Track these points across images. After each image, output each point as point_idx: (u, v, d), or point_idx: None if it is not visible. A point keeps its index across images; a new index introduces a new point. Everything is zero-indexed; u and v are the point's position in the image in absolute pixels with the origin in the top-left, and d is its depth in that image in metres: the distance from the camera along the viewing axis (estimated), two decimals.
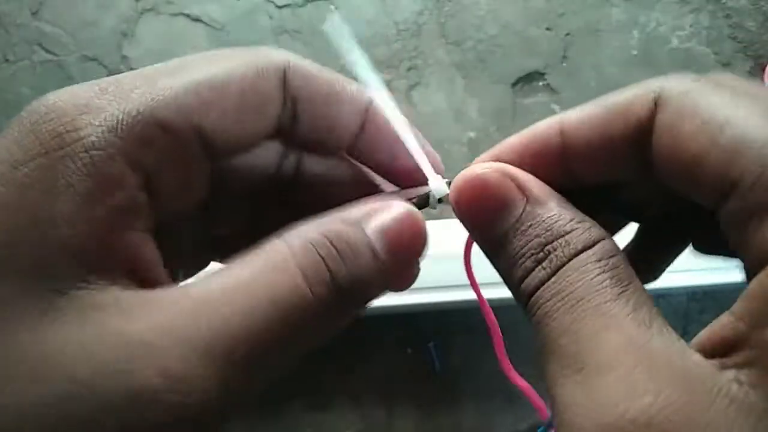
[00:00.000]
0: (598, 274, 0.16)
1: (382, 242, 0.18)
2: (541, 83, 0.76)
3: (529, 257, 0.18)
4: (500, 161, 0.19)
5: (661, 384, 0.13)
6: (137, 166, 0.16)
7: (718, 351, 0.14)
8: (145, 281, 0.16)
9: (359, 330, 0.67)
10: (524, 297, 0.18)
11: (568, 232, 0.17)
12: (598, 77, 0.76)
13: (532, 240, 0.18)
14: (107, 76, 0.17)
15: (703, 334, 0.15)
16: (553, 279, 0.17)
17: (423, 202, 0.21)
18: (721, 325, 0.15)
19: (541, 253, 0.17)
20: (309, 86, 0.20)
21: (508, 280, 0.19)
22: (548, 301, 0.17)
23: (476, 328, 0.68)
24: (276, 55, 0.20)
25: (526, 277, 0.18)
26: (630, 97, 0.18)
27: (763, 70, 0.80)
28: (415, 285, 0.24)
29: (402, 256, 0.19)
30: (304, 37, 0.76)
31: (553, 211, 0.18)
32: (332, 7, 0.77)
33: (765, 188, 0.14)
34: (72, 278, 0.15)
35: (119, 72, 0.18)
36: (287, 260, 0.16)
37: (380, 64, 0.75)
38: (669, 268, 0.22)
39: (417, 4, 0.77)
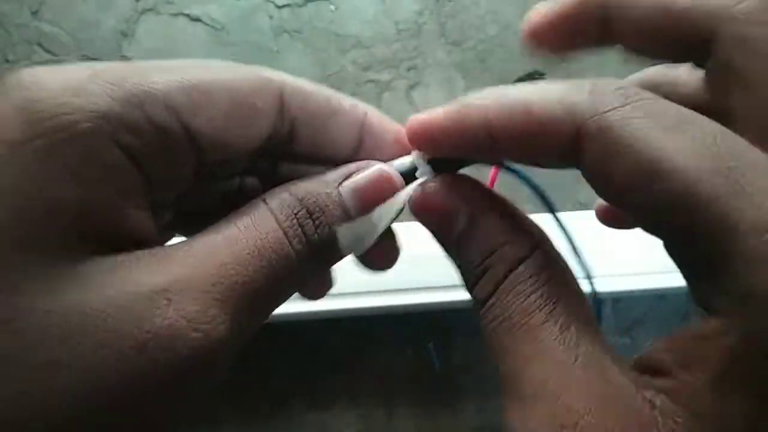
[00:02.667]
0: (530, 294, 0.17)
1: (355, 200, 0.20)
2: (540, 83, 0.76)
3: (473, 269, 0.19)
4: (433, 128, 0.20)
5: (583, 410, 0.14)
6: (129, 149, 0.17)
7: (647, 370, 0.15)
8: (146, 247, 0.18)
9: (359, 330, 0.67)
10: (477, 307, 0.19)
11: (502, 245, 0.18)
12: (598, 77, 0.76)
13: (473, 251, 0.19)
14: (69, 64, 0.17)
15: (645, 351, 0.16)
16: (492, 299, 0.18)
17: (409, 174, 0.22)
18: (653, 349, 0.15)
19: (481, 267, 0.19)
20: (306, 105, 0.21)
21: (465, 284, 0.20)
22: (492, 322, 0.18)
23: (476, 328, 0.68)
24: (273, 75, 0.20)
25: (473, 288, 0.19)
26: (550, 121, 0.17)
27: None
28: (415, 285, 0.24)
29: (371, 210, 0.20)
30: (304, 37, 0.76)
31: (491, 224, 0.19)
32: (332, 7, 0.77)
33: (694, 250, 0.14)
34: (83, 251, 0.16)
35: None
36: (270, 219, 0.19)
37: (380, 64, 0.75)
38: (669, 268, 0.22)
39: (417, 4, 0.77)
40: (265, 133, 0.20)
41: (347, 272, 0.27)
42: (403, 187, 0.21)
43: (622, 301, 0.69)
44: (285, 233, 0.18)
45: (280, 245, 0.18)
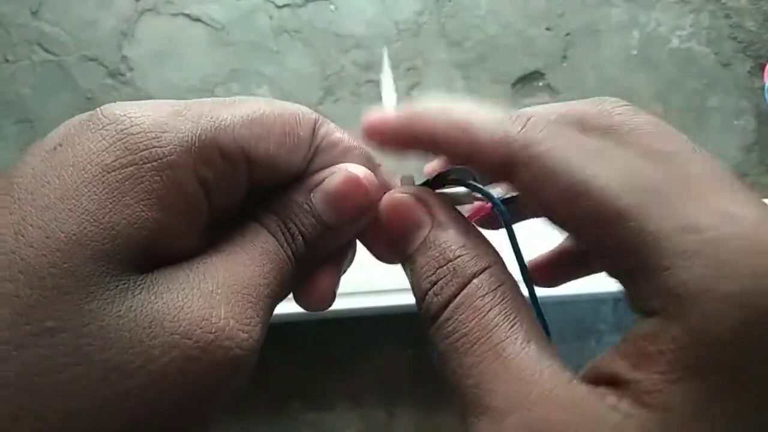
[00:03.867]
0: (490, 310, 0.18)
1: (326, 206, 0.21)
2: (541, 83, 0.76)
3: (426, 278, 0.19)
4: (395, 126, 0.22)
5: (555, 420, 0.15)
6: (202, 181, 0.19)
7: (602, 382, 0.16)
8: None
9: (359, 330, 0.67)
10: (426, 319, 0.20)
11: (456, 257, 0.19)
12: (598, 77, 0.76)
13: (429, 261, 0.20)
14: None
15: (591, 366, 0.17)
16: (446, 314, 0.18)
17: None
18: (605, 359, 0.17)
19: (434, 276, 0.19)
20: (329, 139, 0.23)
21: (415, 295, 0.21)
22: (447, 339, 0.18)
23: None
24: (309, 111, 0.23)
25: (424, 297, 0.19)
26: (487, 145, 0.19)
27: (763, 69, 0.80)
28: None
29: (347, 215, 0.22)
30: (304, 37, 0.76)
31: (449, 236, 0.20)
32: (332, 7, 0.77)
33: (624, 260, 0.16)
34: (150, 263, 0.18)
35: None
36: (268, 236, 0.21)
37: (380, 64, 0.75)
38: None
39: (417, 4, 0.77)
40: (303, 159, 0.22)
41: (347, 272, 0.27)
42: (378, 188, 0.22)
43: (622, 301, 0.69)
44: (281, 246, 0.21)
45: (279, 251, 0.20)
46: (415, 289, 0.20)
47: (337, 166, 0.22)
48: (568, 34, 0.77)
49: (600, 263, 0.18)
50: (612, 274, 0.17)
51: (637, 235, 0.15)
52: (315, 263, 0.22)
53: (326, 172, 0.22)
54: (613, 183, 0.16)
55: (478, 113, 0.19)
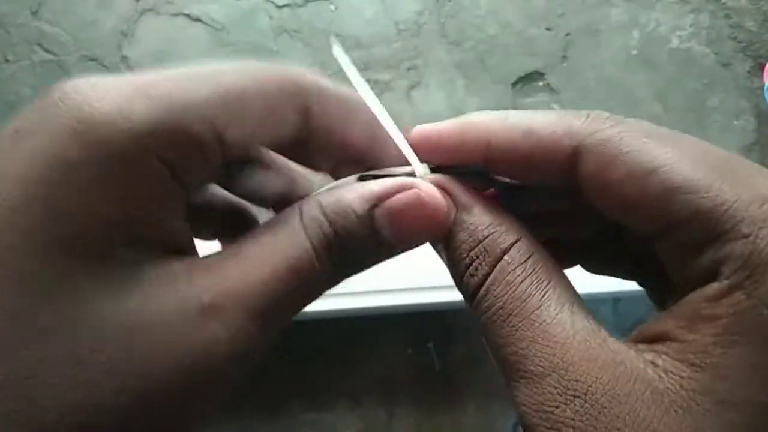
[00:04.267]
0: (522, 282, 0.19)
1: (388, 223, 0.20)
2: (541, 83, 0.76)
3: (461, 260, 0.20)
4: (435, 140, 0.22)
5: (590, 379, 0.16)
6: (169, 164, 0.18)
7: (643, 341, 0.17)
8: (186, 256, 0.19)
9: (359, 330, 0.67)
10: (466, 297, 0.20)
11: (486, 237, 0.20)
12: (598, 77, 0.76)
13: (460, 245, 0.20)
14: (107, 76, 0.18)
15: (637, 330, 0.18)
16: (483, 291, 0.19)
17: None
18: (651, 323, 0.17)
19: (467, 258, 0.20)
20: (325, 106, 0.21)
21: (453, 277, 0.21)
22: (486, 313, 0.19)
23: (476, 329, 0.68)
24: (298, 74, 0.21)
25: (462, 278, 0.20)
26: (550, 140, 0.19)
27: (763, 69, 0.80)
28: (415, 285, 0.24)
29: (407, 236, 0.21)
30: (304, 37, 0.76)
31: (475, 217, 0.20)
32: (332, 7, 0.77)
33: (696, 230, 0.17)
34: (136, 259, 0.17)
35: (119, 72, 0.19)
36: (301, 233, 0.19)
37: (380, 64, 0.75)
38: None
39: (417, 4, 0.77)
40: (290, 135, 0.21)
41: None
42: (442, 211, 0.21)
43: (622, 301, 0.69)
44: (316, 253, 0.19)
45: (311, 264, 0.19)
46: (453, 271, 0.21)
47: (402, 180, 0.21)
48: (568, 34, 0.77)
49: (657, 245, 0.18)
50: (663, 250, 0.18)
51: (714, 205, 0.16)
52: (354, 274, 0.22)
53: (389, 184, 0.20)
54: (686, 158, 0.17)
55: (533, 114, 0.20)
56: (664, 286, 0.20)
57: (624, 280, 0.23)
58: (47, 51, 0.74)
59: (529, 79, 0.76)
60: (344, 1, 0.77)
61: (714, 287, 0.16)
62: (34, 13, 0.74)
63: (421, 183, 0.21)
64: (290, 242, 0.19)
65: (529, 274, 0.19)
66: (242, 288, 0.18)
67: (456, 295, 0.20)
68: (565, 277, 0.19)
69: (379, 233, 0.20)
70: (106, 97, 0.17)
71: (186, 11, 0.76)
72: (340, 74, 0.22)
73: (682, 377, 0.15)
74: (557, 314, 0.18)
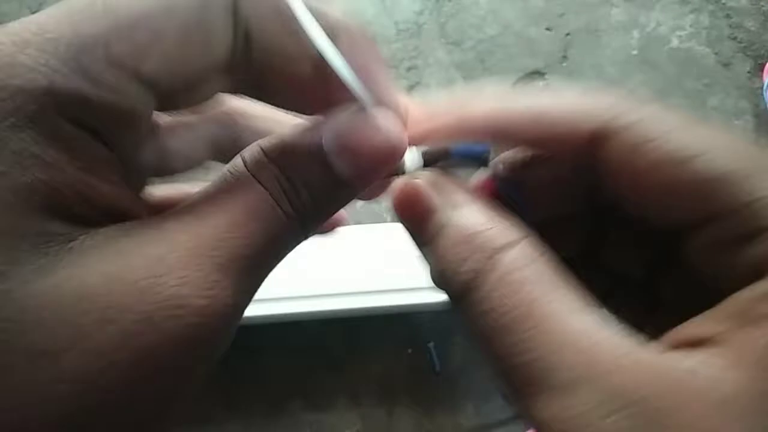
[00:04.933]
0: (531, 284, 0.16)
1: (342, 153, 0.18)
2: (541, 83, 0.76)
3: (446, 258, 0.18)
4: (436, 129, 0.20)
5: (630, 386, 0.14)
6: (82, 122, 0.16)
7: (681, 345, 0.15)
8: (134, 219, 0.18)
9: (359, 330, 0.67)
10: (454, 298, 0.18)
11: (479, 232, 0.18)
12: (598, 77, 0.76)
13: (448, 242, 0.18)
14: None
15: (671, 334, 0.16)
16: (481, 291, 0.17)
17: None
18: (687, 326, 0.16)
19: (460, 255, 0.18)
20: (260, 11, 0.18)
21: (437, 280, 0.19)
22: (484, 317, 0.17)
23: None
24: None
25: (452, 277, 0.18)
26: (565, 125, 0.17)
27: (763, 69, 0.80)
28: (415, 285, 0.23)
29: (367, 165, 0.18)
30: None
31: (468, 215, 0.18)
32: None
33: (737, 223, 0.15)
34: (68, 232, 0.15)
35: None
36: (255, 185, 0.18)
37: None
38: None
39: (417, 4, 0.77)
40: (222, 50, 0.18)
41: (347, 272, 0.27)
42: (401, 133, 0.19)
43: None
44: (272, 197, 0.18)
45: (271, 207, 0.17)
46: (438, 269, 0.18)
47: (349, 105, 0.18)
48: (568, 34, 0.77)
49: (684, 240, 0.17)
50: (695, 245, 0.17)
51: (758, 197, 0.15)
52: (320, 220, 0.19)
53: (337, 113, 0.18)
54: (723, 147, 0.16)
55: (544, 97, 0.18)
56: (657, 294, 0.19)
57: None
58: None
59: (529, 79, 0.76)
60: (344, 1, 0.77)
61: (762, 284, 0.15)
62: (34, 13, 0.74)
63: (371, 108, 0.18)
64: (243, 190, 0.17)
65: (539, 277, 0.17)
66: (197, 241, 0.16)
67: None
68: (578, 285, 0.17)
69: (333, 167, 0.18)
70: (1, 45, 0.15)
71: None
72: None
73: (739, 382, 0.14)
74: (579, 320, 0.16)
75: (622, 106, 0.17)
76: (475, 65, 0.76)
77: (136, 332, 0.15)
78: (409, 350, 0.68)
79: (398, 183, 0.20)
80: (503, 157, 0.21)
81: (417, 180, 0.20)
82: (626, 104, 0.17)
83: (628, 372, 0.15)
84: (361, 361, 0.68)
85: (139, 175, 0.21)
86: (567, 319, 0.16)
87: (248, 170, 0.18)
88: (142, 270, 0.15)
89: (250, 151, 0.18)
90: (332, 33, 0.18)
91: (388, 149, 0.18)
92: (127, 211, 0.17)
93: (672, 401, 0.14)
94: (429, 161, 0.21)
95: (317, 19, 0.18)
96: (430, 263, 0.19)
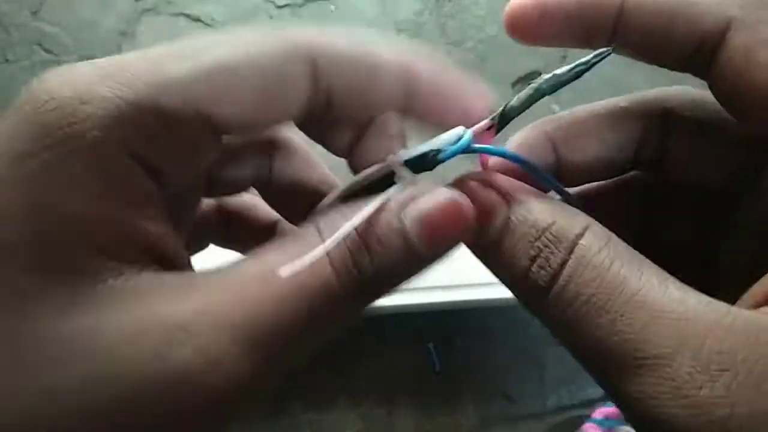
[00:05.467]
0: (611, 264, 0.16)
1: (419, 230, 0.17)
2: None
3: (522, 255, 0.17)
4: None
5: (728, 349, 0.14)
6: (142, 157, 0.16)
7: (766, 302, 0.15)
8: (172, 268, 0.17)
9: (359, 330, 0.67)
10: (534, 295, 0.17)
11: (551, 225, 0.17)
12: (598, 77, 0.76)
13: (521, 239, 0.17)
14: (86, 62, 0.16)
15: (752, 293, 0.15)
16: (561, 280, 0.16)
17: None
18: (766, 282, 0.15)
19: (531, 250, 0.17)
20: (344, 73, 0.18)
21: (510, 281, 0.18)
22: (572, 305, 0.16)
23: (476, 329, 0.68)
24: (302, 36, 0.18)
25: (526, 274, 0.17)
26: (702, 8, 0.17)
27: None
28: (414, 285, 0.23)
29: (439, 244, 0.17)
30: None
31: (535, 209, 0.18)
32: (332, 7, 0.77)
33: None
34: (99, 270, 0.15)
35: None
36: (317, 246, 0.16)
37: None
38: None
39: (417, 4, 0.77)
40: (298, 104, 0.18)
41: None
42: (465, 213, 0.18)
43: None
44: (332, 265, 0.16)
45: (325, 279, 0.16)
46: (510, 270, 0.18)
47: (431, 187, 0.18)
48: None
49: None
50: None
51: None
52: (382, 290, 0.18)
53: (417, 191, 0.18)
54: None
55: None
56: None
57: None
58: (47, 51, 0.74)
59: (529, 79, 0.76)
60: (344, 1, 0.77)
61: None
62: (34, 13, 0.74)
63: (452, 191, 0.18)
64: (300, 255, 0.16)
65: (617, 256, 0.16)
66: (224, 307, 0.15)
67: (456, 295, 0.19)
68: (646, 259, 0.17)
69: (413, 245, 0.17)
70: (66, 83, 0.15)
71: (186, 11, 0.76)
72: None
73: None
74: (665, 291, 0.15)
75: (746, 4, 0.16)
76: (475, 65, 0.76)
77: (136, 394, 0.14)
78: (409, 350, 0.68)
79: (444, 191, 0.18)
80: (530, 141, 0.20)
81: (468, 181, 0.19)
82: (750, 2, 0.16)
83: (726, 333, 0.14)
84: (361, 361, 0.68)
85: (184, 208, 0.21)
86: (657, 291, 0.15)
87: (318, 233, 0.17)
88: (161, 331, 0.14)
89: (327, 215, 0.17)
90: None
91: (465, 225, 0.17)
92: (172, 255, 0.16)
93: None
94: (418, 168, 0.20)
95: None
96: (498, 265, 0.18)
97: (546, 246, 0.17)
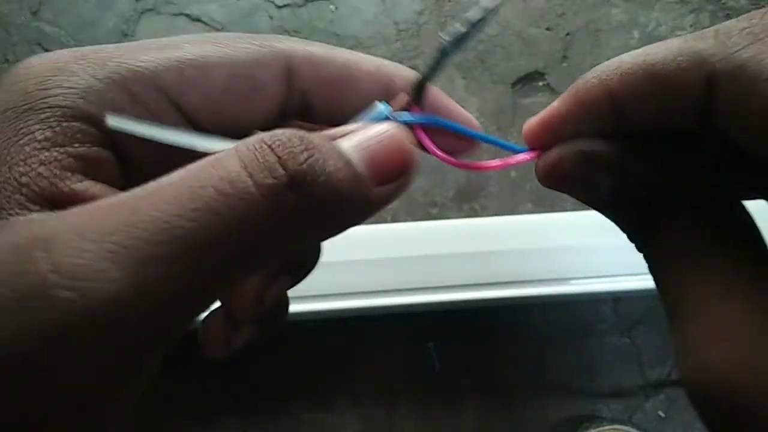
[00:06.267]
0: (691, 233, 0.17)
1: (358, 156, 0.16)
2: (541, 83, 0.76)
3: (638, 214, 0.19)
4: (549, 122, 0.20)
5: (741, 314, 0.15)
6: (101, 127, 0.16)
7: None
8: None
9: (359, 330, 0.67)
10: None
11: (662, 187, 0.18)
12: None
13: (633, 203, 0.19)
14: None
15: None
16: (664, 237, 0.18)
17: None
18: None
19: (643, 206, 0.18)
20: (318, 73, 0.19)
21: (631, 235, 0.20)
22: (660, 260, 0.18)
23: (476, 329, 0.68)
24: (280, 44, 0.19)
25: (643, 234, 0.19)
26: (678, 77, 0.17)
27: None
28: (415, 285, 0.23)
29: (383, 170, 0.16)
30: (304, 37, 0.76)
31: (633, 171, 0.19)
32: (332, 7, 0.77)
33: None
34: (15, 207, 0.15)
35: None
36: (226, 156, 0.14)
37: None
38: None
39: (417, 4, 0.77)
40: (270, 107, 0.19)
41: (347, 272, 0.27)
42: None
43: (622, 301, 0.69)
44: (244, 166, 0.14)
45: (233, 180, 0.14)
46: (629, 225, 0.19)
47: (368, 124, 0.17)
48: (568, 34, 0.77)
49: None
50: None
51: None
52: (329, 209, 0.15)
53: (352, 126, 0.17)
54: None
55: (652, 49, 0.17)
56: None
57: (623, 280, 0.22)
58: (47, 51, 0.74)
59: (529, 79, 0.76)
60: (344, 1, 0.77)
61: None
62: (34, 13, 0.74)
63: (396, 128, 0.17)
64: (207, 167, 0.14)
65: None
66: (101, 220, 0.13)
67: (456, 295, 0.20)
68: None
69: (351, 163, 0.16)
70: (46, 61, 0.16)
71: (186, 11, 0.76)
72: None
73: None
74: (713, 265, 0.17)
75: (729, 43, 0.16)
76: (475, 65, 0.76)
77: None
78: (409, 350, 0.68)
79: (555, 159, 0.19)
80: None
81: (561, 153, 0.20)
82: (734, 39, 0.16)
83: (743, 300, 0.15)
84: (361, 361, 0.68)
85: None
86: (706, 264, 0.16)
87: (234, 147, 0.15)
88: (20, 249, 0.13)
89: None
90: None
91: (405, 159, 0.17)
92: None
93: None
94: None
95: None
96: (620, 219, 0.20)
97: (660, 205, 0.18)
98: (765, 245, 0.17)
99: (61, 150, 0.16)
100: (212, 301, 0.15)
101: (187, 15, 0.76)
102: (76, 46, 0.75)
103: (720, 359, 0.14)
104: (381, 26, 0.76)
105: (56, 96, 0.16)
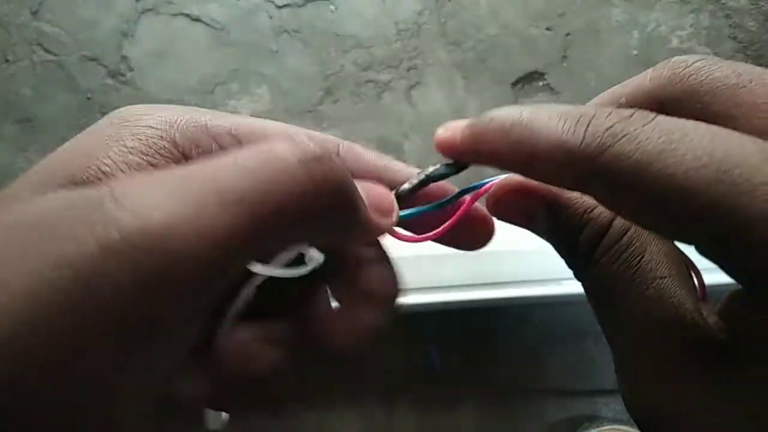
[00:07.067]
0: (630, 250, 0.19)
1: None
2: (541, 83, 0.76)
3: (576, 226, 0.21)
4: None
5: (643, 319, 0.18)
6: (180, 150, 0.19)
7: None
8: None
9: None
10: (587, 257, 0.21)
11: (594, 207, 0.20)
12: (598, 77, 0.76)
13: (572, 215, 0.21)
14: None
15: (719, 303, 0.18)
16: (600, 254, 0.20)
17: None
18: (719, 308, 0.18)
19: (582, 222, 0.21)
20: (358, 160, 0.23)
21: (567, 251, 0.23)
22: (611, 266, 0.20)
23: (476, 329, 0.68)
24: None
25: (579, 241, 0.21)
26: (554, 164, 0.17)
27: None
28: (414, 285, 0.23)
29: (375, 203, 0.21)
30: (304, 37, 0.76)
31: (573, 195, 0.21)
32: (332, 7, 0.77)
33: (729, 240, 0.14)
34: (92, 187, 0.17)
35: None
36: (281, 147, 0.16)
37: (380, 64, 0.75)
38: None
39: (417, 4, 0.77)
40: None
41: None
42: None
43: None
44: (291, 150, 0.16)
45: (282, 158, 0.16)
46: (567, 239, 0.22)
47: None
48: (568, 34, 0.77)
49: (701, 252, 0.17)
50: (716, 263, 0.16)
51: (728, 224, 0.14)
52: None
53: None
54: (695, 175, 0.14)
55: (538, 128, 0.17)
56: None
57: None
58: (47, 51, 0.74)
59: (529, 79, 0.76)
60: (344, 1, 0.77)
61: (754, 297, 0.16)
62: (34, 13, 0.74)
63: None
64: (263, 151, 0.16)
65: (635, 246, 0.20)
66: (163, 174, 0.15)
67: (456, 295, 0.20)
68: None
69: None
70: (142, 106, 0.20)
71: (186, 11, 0.76)
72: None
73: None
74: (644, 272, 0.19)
75: (596, 141, 0.16)
76: (475, 65, 0.76)
77: (56, 276, 0.13)
78: (409, 350, 0.68)
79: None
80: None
81: (507, 181, 0.22)
82: (603, 133, 0.16)
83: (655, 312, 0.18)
84: (361, 362, 0.68)
85: None
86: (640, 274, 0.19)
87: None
88: (86, 201, 0.14)
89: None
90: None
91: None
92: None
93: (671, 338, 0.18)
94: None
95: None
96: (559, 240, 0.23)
97: (593, 220, 0.21)
98: (693, 272, 0.20)
99: (144, 157, 0.18)
100: (254, 256, 0.16)
101: (187, 15, 0.76)
102: (76, 46, 0.76)
103: (647, 386, 0.18)
104: (381, 26, 0.76)
105: (149, 119, 0.19)
